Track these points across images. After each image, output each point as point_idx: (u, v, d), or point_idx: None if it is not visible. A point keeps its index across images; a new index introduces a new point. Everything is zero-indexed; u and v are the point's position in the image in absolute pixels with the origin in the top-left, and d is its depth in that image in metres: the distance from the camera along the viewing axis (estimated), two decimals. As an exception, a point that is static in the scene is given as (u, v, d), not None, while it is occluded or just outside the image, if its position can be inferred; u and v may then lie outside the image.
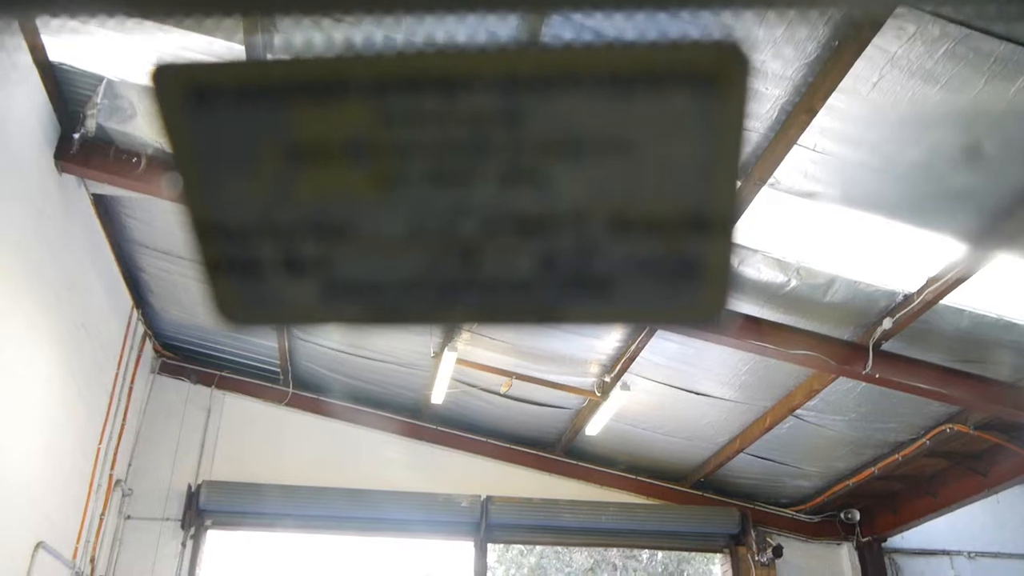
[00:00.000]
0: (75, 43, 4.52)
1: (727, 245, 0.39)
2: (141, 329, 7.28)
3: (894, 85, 3.75)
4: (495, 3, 0.38)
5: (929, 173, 4.15)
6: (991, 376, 5.42)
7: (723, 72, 0.36)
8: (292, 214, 0.39)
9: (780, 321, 5.34)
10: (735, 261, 0.40)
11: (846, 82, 3.72)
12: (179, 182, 0.39)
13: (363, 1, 0.37)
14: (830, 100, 3.81)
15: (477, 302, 0.41)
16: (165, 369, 7.89)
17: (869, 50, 3.57)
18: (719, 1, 0.37)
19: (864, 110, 3.91)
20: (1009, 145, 3.91)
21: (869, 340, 5.27)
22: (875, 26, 3.44)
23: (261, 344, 7.52)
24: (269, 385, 7.98)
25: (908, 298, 4.95)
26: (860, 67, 3.65)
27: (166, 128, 0.38)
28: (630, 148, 0.37)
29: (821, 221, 4.56)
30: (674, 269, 0.40)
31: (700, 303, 0.41)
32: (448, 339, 6.42)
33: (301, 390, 7.96)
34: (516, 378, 6.76)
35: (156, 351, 7.78)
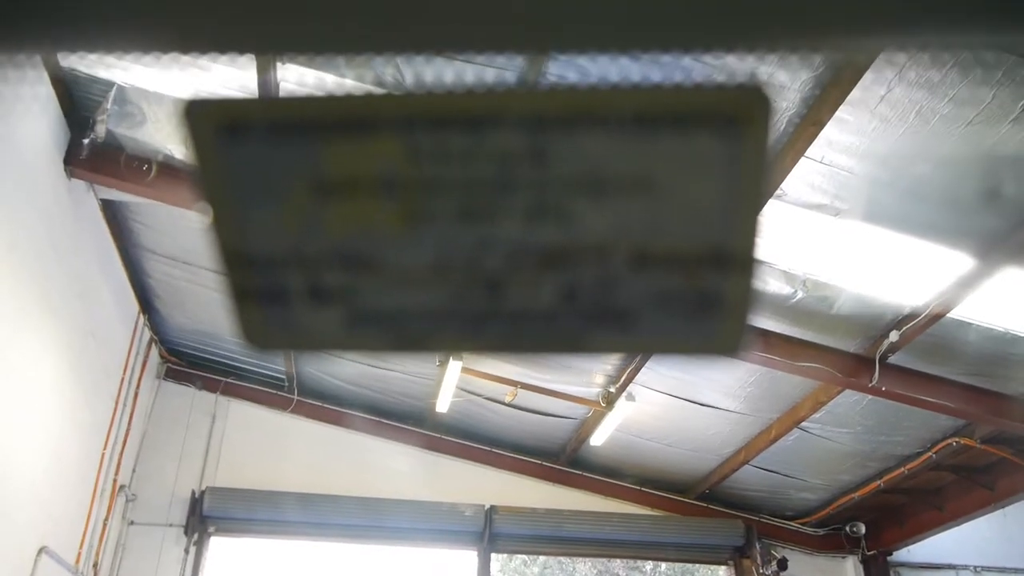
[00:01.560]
0: (86, 50, 4.53)
1: (748, 281, 0.40)
2: (147, 335, 7.30)
3: (902, 98, 3.75)
4: (500, 44, 0.38)
5: (936, 186, 4.14)
6: (998, 390, 5.40)
7: (746, 113, 0.37)
8: (320, 245, 0.40)
9: (786, 333, 5.33)
10: (755, 296, 0.41)
11: (854, 94, 3.72)
12: (210, 212, 0.40)
13: (369, 43, 0.38)
14: (838, 112, 3.82)
15: (501, 332, 0.42)
16: (170, 375, 7.90)
17: (877, 63, 3.57)
18: (721, 45, 0.37)
19: (872, 123, 3.91)
20: (1018, 158, 3.90)
21: (876, 353, 5.26)
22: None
23: (267, 351, 7.51)
24: (274, 392, 7.99)
25: (915, 311, 4.93)
26: (868, 79, 3.66)
27: (198, 161, 0.39)
28: (653, 186, 0.38)
29: (828, 233, 4.55)
30: (695, 303, 0.41)
31: (720, 336, 0.42)
32: (453, 348, 6.41)
33: (306, 397, 7.96)
34: (521, 387, 6.75)
35: (162, 357, 7.80)
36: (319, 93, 0.38)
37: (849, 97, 3.73)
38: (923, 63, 3.57)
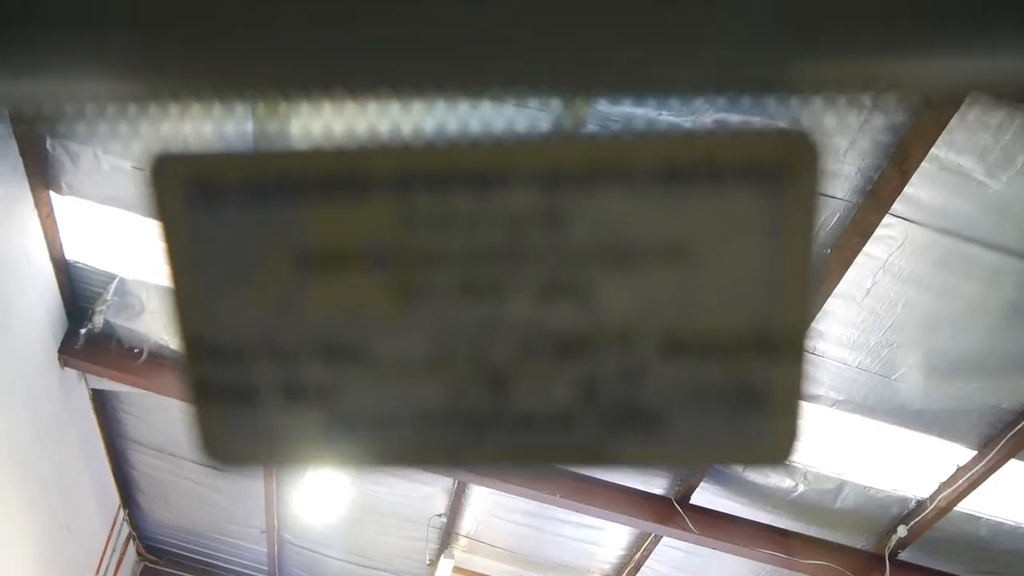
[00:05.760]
0: (92, 242, 4.68)
1: (798, 371, 0.35)
2: (126, 530, 7.01)
3: (888, 291, 3.83)
4: (527, 83, 0.34)
5: (930, 378, 4.15)
6: (1016, 590, 5.15)
7: (790, 164, 0.33)
8: (298, 332, 0.35)
9: (790, 528, 5.15)
10: (806, 390, 0.36)
11: (841, 287, 3.80)
12: (171, 289, 0.35)
13: (378, 80, 0.34)
14: (827, 306, 3.89)
15: (508, 440, 0.36)
16: (147, 574, 7.52)
17: (860, 258, 3.68)
18: (777, 91, 0.33)
19: (860, 315, 3.97)
20: (1009, 350, 3.93)
21: (885, 549, 5.06)
22: (864, 234, 3.57)
23: (249, 548, 7.22)
24: (255, 593, 7.56)
25: (921, 504, 4.80)
26: (853, 274, 3.75)
27: (162, 227, 0.35)
28: (684, 254, 0.34)
29: (827, 424, 4.51)
30: (737, 399, 0.36)
31: (766, 438, 0.37)
32: (445, 544, 6.16)
33: (288, 599, 7.53)
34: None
35: (139, 554, 7.45)
36: (303, 146, 0.34)
37: (836, 291, 3.81)
38: (905, 257, 3.68)
